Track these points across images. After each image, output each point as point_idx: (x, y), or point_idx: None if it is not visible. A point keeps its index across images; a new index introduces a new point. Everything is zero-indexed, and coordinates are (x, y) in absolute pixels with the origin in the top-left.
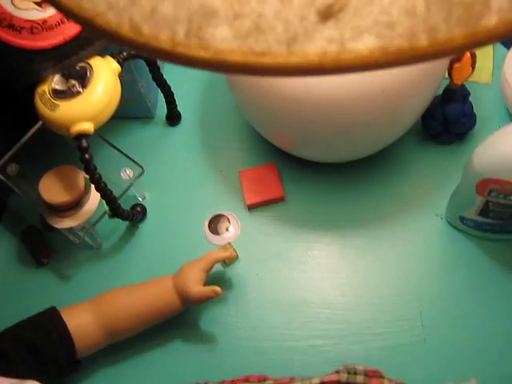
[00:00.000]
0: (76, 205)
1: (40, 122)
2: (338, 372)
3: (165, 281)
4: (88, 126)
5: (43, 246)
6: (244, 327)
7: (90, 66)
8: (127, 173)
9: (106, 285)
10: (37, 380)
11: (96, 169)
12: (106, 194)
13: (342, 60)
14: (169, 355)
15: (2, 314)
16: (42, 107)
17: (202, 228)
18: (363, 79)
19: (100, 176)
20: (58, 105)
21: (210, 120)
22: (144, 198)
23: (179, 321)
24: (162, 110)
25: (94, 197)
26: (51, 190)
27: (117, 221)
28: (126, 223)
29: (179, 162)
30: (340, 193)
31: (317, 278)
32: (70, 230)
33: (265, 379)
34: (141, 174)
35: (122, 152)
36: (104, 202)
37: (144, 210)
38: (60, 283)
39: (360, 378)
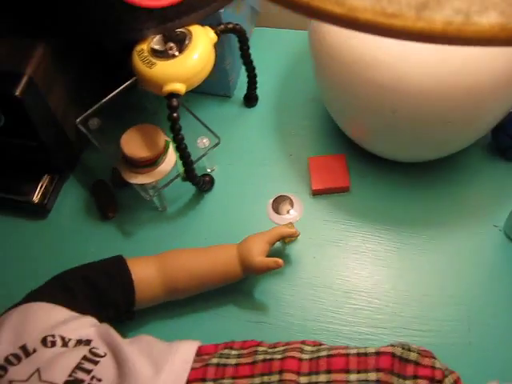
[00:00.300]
0: (153, 163)
1: (127, 83)
2: (392, 345)
3: (229, 247)
4: (180, 87)
5: (111, 200)
6: (295, 305)
7: (190, 32)
8: (203, 141)
9: (165, 246)
10: (96, 318)
11: (181, 129)
12: (184, 154)
13: (464, 31)
14: (218, 320)
15: (67, 259)
16: (139, 64)
17: (264, 206)
18: (451, 75)
19: (183, 137)
20: (155, 63)
21: (286, 106)
22: (213, 170)
23: (233, 288)
24: (239, 90)
25: (170, 158)
26: (132, 144)
27: (184, 188)
28: (193, 191)
29: (251, 142)
30: (403, 192)
31: (370, 269)
32: (143, 186)
33: (320, 344)
34: (216, 145)
35: (201, 121)
36: (178, 165)
37: (212, 180)
38: (122, 238)
39: (413, 355)
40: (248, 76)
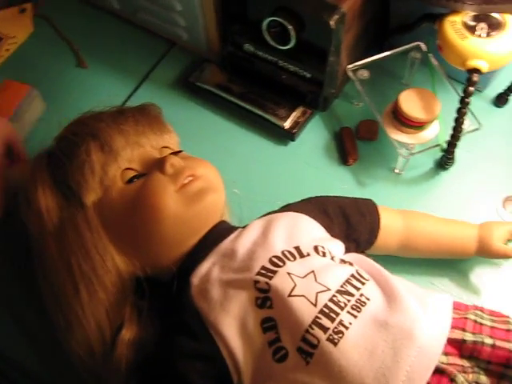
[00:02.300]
0: (421, 126)
1: (406, 47)
2: None
3: (470, 225)
4: (483, 66)
5: (354, 148)
6: None
7: (504, 20)
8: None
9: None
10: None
11: (468, 104)
12: (459, 128)
13: None
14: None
15: (306, 188)
16: (451, 33)
17: (496, 202)
18: None
19: (466, 112)
20: (468, 37)
21: None
22: None
23: (453, 265)
24: (492, 88)
25: (436, 128)
26: (410, 103)
27: (422, 160)
28: (430, 166)
29: (490, 139)
30: None
31: None
32: (401, 144)
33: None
34: (475, 130)
35: (465, 104)
36: (440, 136)
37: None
38: (356, 186)
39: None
40: None
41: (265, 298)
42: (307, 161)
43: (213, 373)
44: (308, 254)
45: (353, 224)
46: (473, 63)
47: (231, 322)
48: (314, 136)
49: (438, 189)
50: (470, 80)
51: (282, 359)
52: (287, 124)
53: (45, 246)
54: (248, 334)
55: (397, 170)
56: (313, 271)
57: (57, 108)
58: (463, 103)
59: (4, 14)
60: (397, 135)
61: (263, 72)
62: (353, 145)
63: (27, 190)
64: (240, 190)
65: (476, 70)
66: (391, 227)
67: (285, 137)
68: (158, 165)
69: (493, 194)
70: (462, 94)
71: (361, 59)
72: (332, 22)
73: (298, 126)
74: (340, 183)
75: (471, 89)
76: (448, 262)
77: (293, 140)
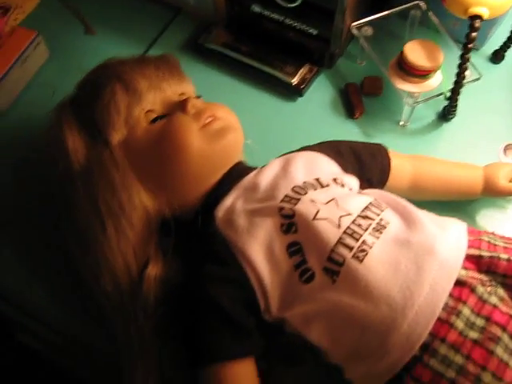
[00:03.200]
0: (426, 75)
1: (407, 5)
2: None
3: (476, 166)
4: (484, 12)
5: (359, 102)
6: None
7: None
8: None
9: None
10: None
11: (471, 50)
12: (461, 75)
13: None
14: None
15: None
16: None
17: (496, 150)
18: None
19: (469, 57)
20: None
21: None
22: None
23: (460, 209)
24: (489, 45)
25: (439, 76)
26: (414, 53)
27: (427, 113)
28: (432, 118)
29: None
30: None
31: None
32: (406, 93)
33: None
34: (476, 80)
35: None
36: (443, 85)
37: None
38: (363, 137)
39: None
40: None
41: (290, 223)
42: (315, 116)
43: (241, 297)
44: (328, 185)
45: (365, 164)
46: (474, 10)
47: (258, 247)
48: (321, 92)
49: (441, 139)
50: (472, 26)
51: (309, 280)
52: (295, 80)
53: (72, 187)
54: (274, 259)
55: (402, 122)
56: (334, 198)
57: (63, 69)
58: (466, 49)
59: None
60: (402, 85)
61: (270, 31)
62: (358, 99)
63: (53, 133)
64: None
65: (477, 17)
66: (401, 168)
67: (293, 93)
68: (180, 106)
69: (494, 143)
70: (465, 41)
71: (363, 18)
72: None
73: (306, 82)
74: (347, 136)
75: (474, 34)
76: (455, 206)
77: (301, 96)
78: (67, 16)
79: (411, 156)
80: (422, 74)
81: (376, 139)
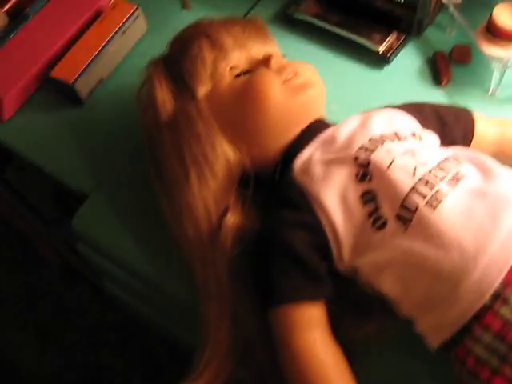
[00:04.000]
0: None
1: None
2: None
3: None
4: None
5: (447, 69)
6: None
7: None
8: None
9: None
10: None
11: None
12: None
13: None
14: None
15: None
16: None
17: None
18: None
19: None
20: None
21: None
22: None
23: None
24: None
25: None
26: (503, 15)
27: None
28: None
29: None
30: None
31: None
32: (494, 59)
33: None
34: None
35: None
36: None
37: None
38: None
39: None
40: None
41: (364, 172)
42: (401, 84)
43: (314, 242)
44: (406, 138)
45: (447, 125)
46: None
47: (332, 194)
48: (408, 61)
49: None
50: None
51: (382, 227)
52: (382, 48)
53: (158, 137)
54: (348, 207)
55: (491, 90)
56: (411, 150)
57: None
58: None
59: None
60: (491, 49)
61: (358, 0)
62: (446, 66)
63: (145, 87)
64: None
65: None
66: (486, 133)
67: (380, 60)
68: (264, 61)
69: None
70: None
71: None
72: None
73: (393, 49)
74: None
75: None
76: None
77: (388, 63)
78: None
79: (499, 121)
80: (511, 38)
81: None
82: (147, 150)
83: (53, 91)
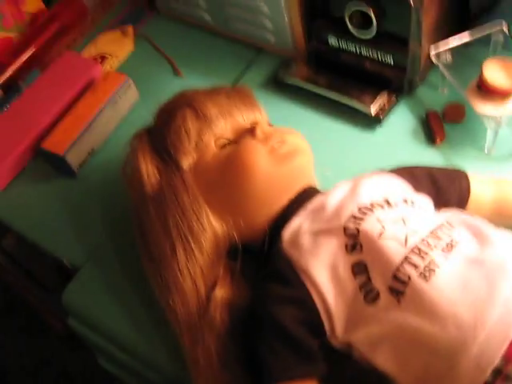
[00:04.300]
0: (507, 95)
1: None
2: None
3: None
4: None
5: (441, 128)
6: None
7: None
8: None
9: None
10: None
11: None
12: None
13: None
14: None
15: None
16: None
17: None
18: None
19: None
20: None
21: None
22: None
23: None
24: None
25: None
26: (493, 72)
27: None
28: None
29: None
30: None
31: None
32: (487, 118)
33: None
34: None
35: None
36: None
37: None
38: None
39: None
40: None
41: (354, 242)
42: (395, 144)
43: (305, 318)
44: (396, 205)
45: (441, 188)
46: None
47: (322, 267)
48: (401, 121)
49: None
50: None
51: (374, 300)
52: (373, 110)
53: (144, 210)
54: (339, 279)
55: (486, 149)
56: (402, 217)
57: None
58: None
59: (108, 36)
60: (483, 107)
61: (347, 62)
62: (440, 125)
63: (130, 160)
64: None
65: None
66: (482, 193)
67: (372, 122)
68: (250, 131)
69: None
70: None
71: (443, 42)
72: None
73: (385, 111)
74: (429, 164)
75: None
76: None
77: (380, 125)
78: (156, 62)
79: (495, 180)
80: (503, 95)
81: (459, 167)
82: (134, 223)
83: (46, 161)
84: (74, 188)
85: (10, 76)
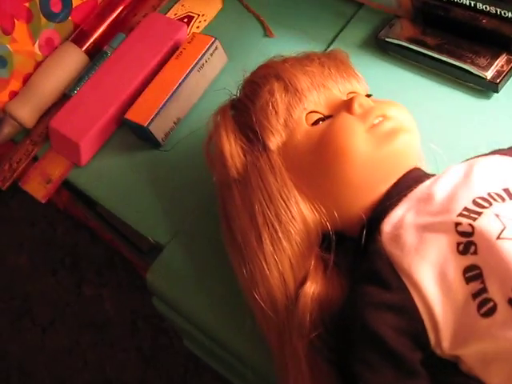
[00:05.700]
0: None
1: None
2: None
3: None
4: None
5: None
6: None
7: None
8: None
9: None
10: None
11: None
12: None
13: None
14: None
15: None
16: None
17: None
18: None
19: None
20: None
21: None
22: None
23: None
24: None
25: None
26: None
27: None
28: None
29: None
30: None
31: None
32: None
33: None
34: None
35: None
36: None
37: None
38: None
39: None
40: None
41: (468, 242)
42: None
43: (406, 328)
44: None
45: None
46: None
47: (428, 269)
48: None
49: None
50: None
51: (490, 313)
52: (489, 74)
53: (228, 194)
54: (447, 285)
55: None
56: None
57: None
58: None
59: None
60: None
61: (460, 19)
62: None
63: (212, 137)
64: (436, 146)
65: None
66: None
67: (487, 88)
68: (346, 105)
69: None
70: None
71: None
72: None
73: (502, 75)
74: None
75: None
76: None
77: (496, 92)
78: (246, 21)
79: None
80: None
81: None
82: (219, 207)
83: (132, 132)
84: (160, 159)
85: (95, 41)
